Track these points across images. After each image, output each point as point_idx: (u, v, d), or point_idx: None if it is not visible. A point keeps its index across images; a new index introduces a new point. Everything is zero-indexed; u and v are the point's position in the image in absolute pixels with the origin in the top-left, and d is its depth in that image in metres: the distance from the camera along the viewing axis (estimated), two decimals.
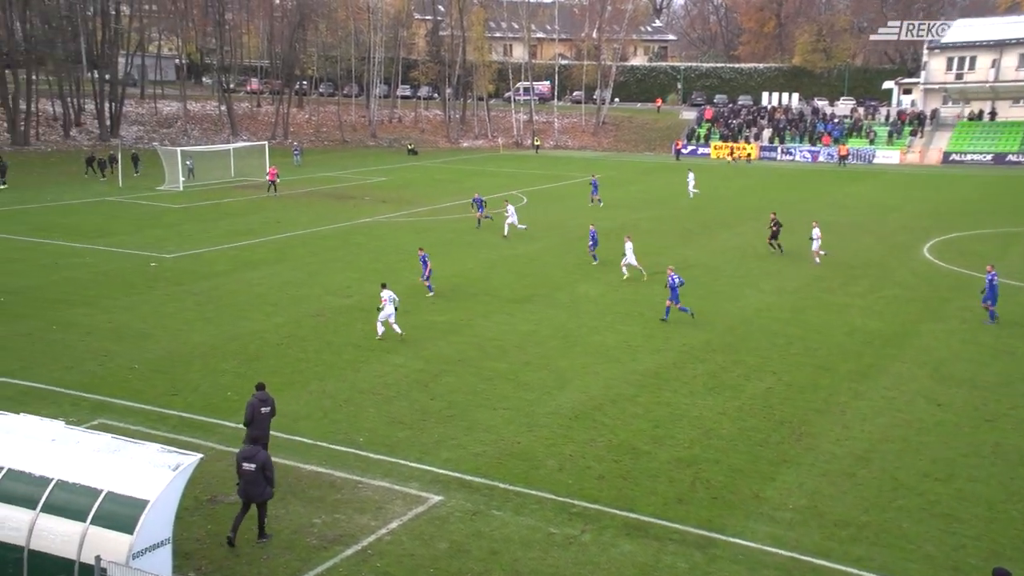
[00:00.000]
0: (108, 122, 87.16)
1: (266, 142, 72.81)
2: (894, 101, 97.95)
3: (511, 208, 43.34)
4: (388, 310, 25.78)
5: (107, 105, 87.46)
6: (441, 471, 17.61)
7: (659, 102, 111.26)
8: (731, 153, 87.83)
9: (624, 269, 33.96)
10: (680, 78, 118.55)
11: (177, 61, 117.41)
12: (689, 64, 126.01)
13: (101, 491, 12.52)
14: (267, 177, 58.55)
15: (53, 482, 12.76)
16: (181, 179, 59.99)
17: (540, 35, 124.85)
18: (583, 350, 25.25)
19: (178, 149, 62.75)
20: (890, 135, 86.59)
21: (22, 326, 26.84)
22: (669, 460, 18.28)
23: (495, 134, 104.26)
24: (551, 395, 21.73)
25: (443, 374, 23.11)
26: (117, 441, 13.72)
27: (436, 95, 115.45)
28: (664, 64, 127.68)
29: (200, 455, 13.60)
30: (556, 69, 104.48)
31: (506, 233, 42.31)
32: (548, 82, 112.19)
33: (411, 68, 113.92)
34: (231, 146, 70.66)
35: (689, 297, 31.06)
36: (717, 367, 23.93)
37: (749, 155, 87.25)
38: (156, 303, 29.78)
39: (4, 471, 13.06)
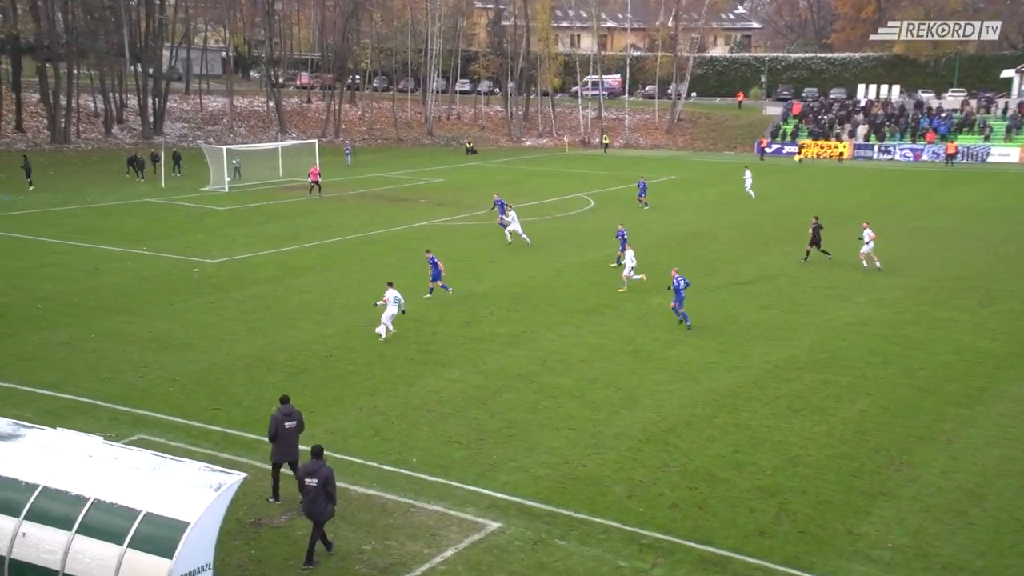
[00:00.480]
0: (151, 119, 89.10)
1: (316, 140, 73.77)
2: (1014, 92, 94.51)
3: (513, 214, 41.92)
4: (391, 310, 26.89)
5: (150, 101, 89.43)
6: (500, 495, 17.56)
7: (741, 96, 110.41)
8: (799, 152, 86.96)
9: (625, 279, 33.62)
10: (765, 70, 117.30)
11: (224, 54, 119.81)
12: (775, 54, 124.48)
13: (139, 512, 12.68)
14: (309, 178, 59.23)
15: (89, 502, 12.95)
16: (227, 179, 61.04)
17: (611, 24, 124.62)
18: (655, 366, 25.05)
19: (224, 148, 63.85)
20: (1008, 130, 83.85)
21: (60, 335, 27.48)
22: (750, 489, 17.99)
23: (560, 132, 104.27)
24: (619, 415, 21.56)
25: (503, 390, 23.09)
26: (157, 458, 13.93)
27: (497, 90, 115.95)
28: (747, 55, 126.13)
29: (243, 474, 13.75)
30: (628, 61, 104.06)
31: (509, 240, 41.36)
32: (619, 75, 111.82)
33: (471, 61, 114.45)
34: (279, 144, 71.69)
35: (774, 310, 30.71)
36: (803, 387, 23.53)
37: (841, 154, 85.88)
38: (199, 311, 30.28)
39: (39, 489, 13.30)
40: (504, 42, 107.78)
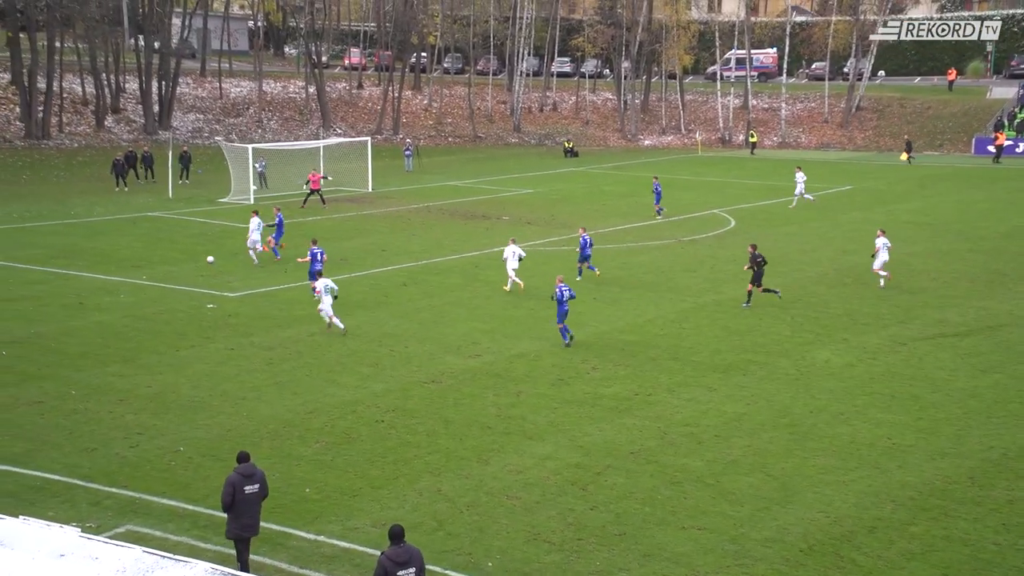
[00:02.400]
0: (156, 108, 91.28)
1: (368, 138, 74.87)
2: None
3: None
4: (327, 301, 31.95)
5: (155, 84, 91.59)
6: None
7: (952, 74, 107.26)
8: (908, 150, 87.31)
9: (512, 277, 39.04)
10: (992, 36, 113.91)
11: (251, 24, 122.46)
12: (1011, 11, 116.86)
13: None
14: (308, 185, 60.32)
15: None
16: (252, 187, 62.20)
17: None
18: (820, 446, 24.57)
19: (249, 147, 65.15)
20: None
21: (30, 391, 27.99)
22: None
23: (691, 127, 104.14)
24: (770, 512, 21.16)
25: (609, 472, 22.89)
26: (151, 558, 13.98)
27: (607, 72, 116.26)
28: (965, 15, 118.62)
29: None
30: (787, 30, 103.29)
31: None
32: (774, 50, 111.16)
33: (572, 33, 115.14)
34: (320, 143, 72.92)
35: (998, 374, 29.80)
36: None
37: None
38: (213, 360, 30.71)
39: None
40: (618, 7, 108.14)
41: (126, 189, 65.02)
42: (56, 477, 22.49)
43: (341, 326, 32.99)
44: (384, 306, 37.35)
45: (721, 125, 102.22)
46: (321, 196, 60.02)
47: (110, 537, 16.79)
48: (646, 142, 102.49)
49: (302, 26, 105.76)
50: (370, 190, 66.70)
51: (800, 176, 61.86)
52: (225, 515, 17.92)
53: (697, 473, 22.93)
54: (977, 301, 38.56)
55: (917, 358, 31.48)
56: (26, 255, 45.06)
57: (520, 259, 39.56)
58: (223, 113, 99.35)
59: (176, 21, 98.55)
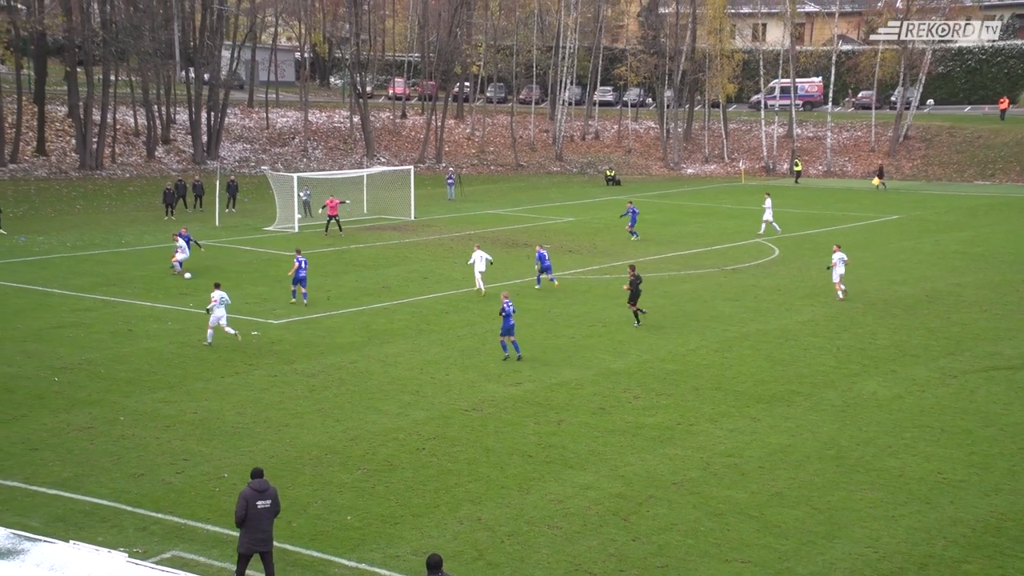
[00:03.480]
0: (204, 138, 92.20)
1: (412, 167, 75.14)
2: None
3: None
4: (218, 312, 34.30)
5: (204, 115, 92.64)
6: None
7: (1005, 103, 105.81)
8: (880, 175, 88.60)
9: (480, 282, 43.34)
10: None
11: (298, 56, 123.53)
12: None
13: None
14: (326, 211, 60.97)
15: None
16: (297, 216, 62.59)
17: (810, 8, 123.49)
18: (867, 480, 24.30)
19: (294, 175, 65.60)
20: None
21: (80, 417, 28.27)
22: None
23: (734, 156, 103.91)
24: (816, 546, 20.94)
25: (651, 503, 22.77)
26: None
27: (650, 100, 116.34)
28: (1019, 43, 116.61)
29: None
30: (834, 58, 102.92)
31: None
32: (819, 78, 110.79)
33: (615, 62, 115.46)
34: (364, 172, 73.33)
35: None
36: None
37: None
38: (257, 387, 30.88)
39: None
40: (661, 36, 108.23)
41: (174, 218, 65.55)
42: (104, 502, 22.66)
43: (232, 331, 35.17)
44: (425, 333, 37.42)
45: (765, 154, 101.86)
46: (339, 223, 60.28)
47: (156, 563, 16.89)
48: (689, 171, 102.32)
49: (347, 57, 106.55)
50: (412, 218, 66.93)
51: (768, 202, 62.18)
52: (238, 528, 18.36)
53: (741, 505, 22.75)
54: None
55: (968, 391, 31.06)
56: (78, 283, 45.52)
57: (489, 263, 44.07)
58: (269, 143, 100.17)
59: (225, 53, 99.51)
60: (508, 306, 33.58)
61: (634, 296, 38.50)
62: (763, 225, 61.64)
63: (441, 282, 46.56)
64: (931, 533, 21.56)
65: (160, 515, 21.99)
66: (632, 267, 39.35)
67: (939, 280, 47.52)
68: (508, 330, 33.62)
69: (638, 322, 38.54)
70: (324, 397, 30.00)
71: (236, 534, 20.98)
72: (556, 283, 45.18)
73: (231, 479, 23.88)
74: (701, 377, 32.25)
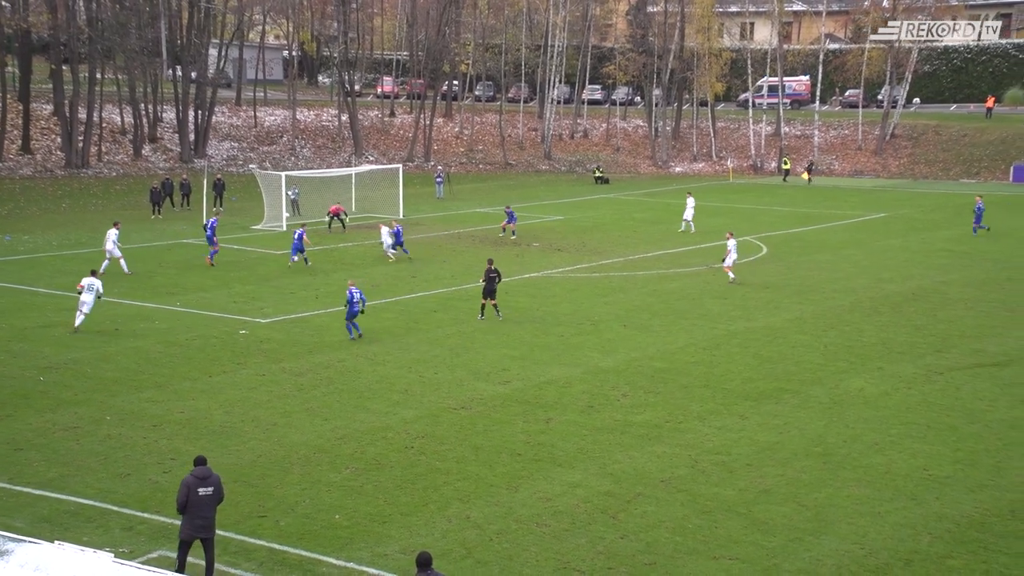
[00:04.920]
0: (192, 136, 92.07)
1: (400, 165, 75.20)
2: None
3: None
4: (85, 297, 36.00)
5: (192, 114, 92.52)
6: None
7: (991, 102, 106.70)
8: (808, 170, 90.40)
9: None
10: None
11: (286, 54, 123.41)
12: None
13: None
14: (329, 214, 61.66)
15: None
16: (285, 215, 62.51)
17: (798, 7, 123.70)
18: (854, 476, 24.35)
19: (282, 174, 65.50)
20: None
21: (66, 416, 28.15)
22: None
23: (722, 154, 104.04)
24: (803, 543, 20.97)
25: (639, 500, 22.78)
26: None
27: (638, 99, 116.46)
28: (1003, 43, 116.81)
29: None
30: (821, 57, 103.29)
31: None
32: (806, 77, 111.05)
33: (604, 61, 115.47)
34: (353, 170, 73.26)
35: None
36: None
37: None
38: (244, 386, 30.81)
39: None
40: (649, 35, 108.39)
41: (161, 217, 65.42)
42: (90, 502, 22.59)
43: (79, 320, 36.50)
44: (414, 332, 37.38)
45: (753, 152, 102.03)
46: (343, 220, 60.87)
47: (143, 562, 16.83)
48: (677, 169, 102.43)
49: (336, 55, 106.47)
50: (401, 217, 66.85)
51: (691, 201, 62.91)
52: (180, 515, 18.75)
53: (729, 502, 22.77)
54: (1016, 331, 38.12)
55: (954, 388, 31.17)
56: (64, 282, 45.33)
57: (393, 236, 51.07)
58: (257, 141, 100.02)
59: (212, 51, 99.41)
60: (352, 295, 35.39)
61: (488, 290, 38.99)
62: (683, 224, 62.17)
63: (429, 281, 46.52)
64: (917, 529, 21.64)
65: (146, 515, 21.92)
66: (490, 260, 39.84)
67: (925, 278, 47.68)
68: (352, 315, 35.56)
69: (487, 315, 39.12)
70: (312, 396, 29.94)
71: (224, 534, 21.00)
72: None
73: (220, 478, 23.79)
74: (689, 375, 32.28)
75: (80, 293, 36.46)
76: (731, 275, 46.11)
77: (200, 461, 18.96)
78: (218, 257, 50.01)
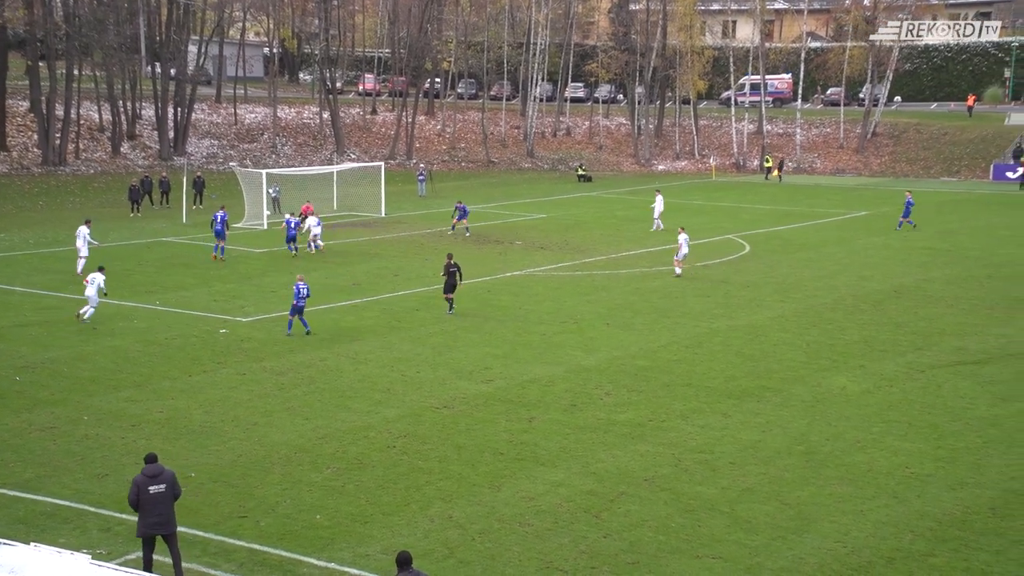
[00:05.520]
0: (171, 134, 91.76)
1: (382, 163, 75.02)
2: None
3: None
4: (88, 292, 36.68)
5: (171, 111, 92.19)
6: None
7: (971, 100, 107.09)
8: (779, 168, 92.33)
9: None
10: (1011, 61, 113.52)
11: (266, 51, 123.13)
12: None
13: None
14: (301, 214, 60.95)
15: None
16: (266, 213, 62.34)
17: (779, 6, 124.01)
18: (836, 474, 24.38)
19: (263, 172, 65.31)
20: None
21: (42, 416, 27.98)
22: None
23: (705, 152, 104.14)
24: (786, 541, 20.98)
25: (622, 499, 22.76)
26: None
27: (621, 97, 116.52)
28: (983, 41, 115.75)
29: None
30: (803, 56, 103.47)
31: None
32: (788, 75, 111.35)
33: (587, 59, 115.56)
34: (335, 168, 73.18)
35: (1020, 403, 29.43)
36: None
37: None
38: (225, 386, 30.67)
39: None
40: (632, 33, 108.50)
41: (140, 215, 65.18)
42: (67, 503, 22.47)
43: (84, 313, 37.37)
44: (396, 331, 37.30)
45: (735, 150, 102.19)
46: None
47: (120, 564, 16.75)
48: (660, 167, 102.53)
49: (317, 52, 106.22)
50: (383, 215, 66.81)
51: (659, 199, 63.08)
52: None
53: (711, 501, 22.77)
54: (997, 328, 38.25)
55: (935, 386, 31.23)
56: (41, 280, 45.18)
57: (320, 226, 52.87)
58: (238, 139, 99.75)
59: (192, 48, 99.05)
60: (300, 289, 35.73)
61: (450, 284, 39.40)
62: (655, 222, 62.19)
63: (411, 279, 46.41)
64: (899, 527, 21.67)
65: (124, 516, 21.71)
66: (449, 255, 40.24)
67: (906, 276, 47.79)
68: (298, 311, 36.02)
69: (451, 310, 39.48)
70: (293, 395, 29.84)
71: (204, 535, 20.95)
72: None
73: (198, 478, 23.72)
74: (672, 373, 32.28)
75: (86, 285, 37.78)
76: (678, 270, 46.78)
77: (151, 459, 18.99)
78: (198, 256, 49.83)
